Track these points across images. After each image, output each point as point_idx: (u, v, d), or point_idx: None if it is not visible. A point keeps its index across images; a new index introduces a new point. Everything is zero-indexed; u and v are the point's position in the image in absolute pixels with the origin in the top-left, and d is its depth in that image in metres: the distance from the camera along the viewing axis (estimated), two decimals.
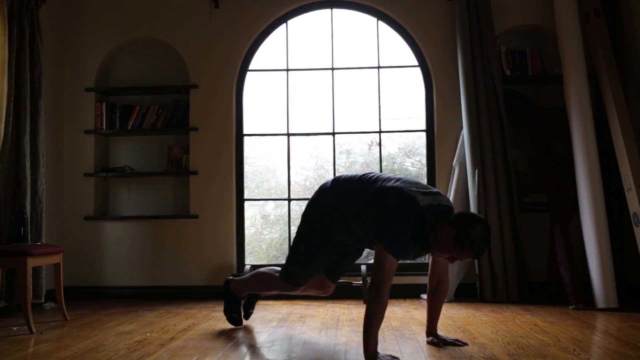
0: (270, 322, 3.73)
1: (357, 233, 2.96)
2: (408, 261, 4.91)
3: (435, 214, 2.70)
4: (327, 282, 3.29)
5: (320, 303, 4.45)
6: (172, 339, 3.23)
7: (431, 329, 3.06)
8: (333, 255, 3.21)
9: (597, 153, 4.23)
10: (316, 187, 3.15)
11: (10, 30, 4.02)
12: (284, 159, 5.10)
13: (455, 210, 3.39)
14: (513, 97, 4.77)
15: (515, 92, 4.81)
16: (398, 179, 2.83)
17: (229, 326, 3.58)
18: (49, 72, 4.62)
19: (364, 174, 2.99)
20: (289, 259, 3.23)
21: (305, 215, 3.18)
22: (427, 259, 3.14)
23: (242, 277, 3.55)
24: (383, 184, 2.83)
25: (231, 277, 3.61)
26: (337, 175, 3.15)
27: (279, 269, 3.35)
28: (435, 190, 2.84)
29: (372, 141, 5.83)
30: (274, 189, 6.42)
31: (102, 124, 5.00)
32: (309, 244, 3.14)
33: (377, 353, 2.63)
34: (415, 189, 2.74)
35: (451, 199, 4.61)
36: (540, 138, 4.53)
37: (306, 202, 3.21)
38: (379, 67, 5.04)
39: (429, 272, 3.02)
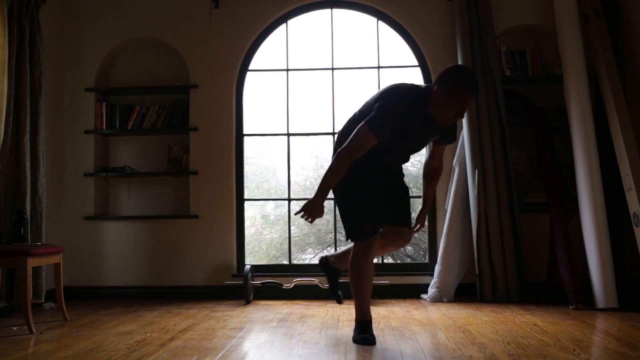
0: (270, 322, 3.73)
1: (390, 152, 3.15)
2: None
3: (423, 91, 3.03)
4: (399, 229, 3.22)
5: (320, 303, 4.46)
6: (172, 339, 3.23)
7: (421, 214, 3.30)
8: (387, 204, 3.17)
9: (597, 153, 4.23)
10: (316, 187, 3.11)
11: (10, 30, 4.03)
12: (284, 159, 5.10)
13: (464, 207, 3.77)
14: (513, 97, 4.77)
15: (515, 92, 4.80)
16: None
17: (229, 326, 3.58)
18: (49, 72, 4.62)
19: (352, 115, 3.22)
20: (345, 222, 3.15)
21: (341, 185, 3.10)
22: (426, 253, 3.11)
23: (336, 253, 3.61)
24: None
25: (325, 255, 3.62)
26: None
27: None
28: None
29: None
30: (274, 189, 6.43)
31: (102, 124, 5.00)
32: (356, 197, 3.11)
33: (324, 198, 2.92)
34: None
35: (451, 199, 4.62)
36: (540, 138, 4.53)
37: (305, 202, 3.03)
38: (379, 67, 5.04)
39: (426, 158, 3.32)
